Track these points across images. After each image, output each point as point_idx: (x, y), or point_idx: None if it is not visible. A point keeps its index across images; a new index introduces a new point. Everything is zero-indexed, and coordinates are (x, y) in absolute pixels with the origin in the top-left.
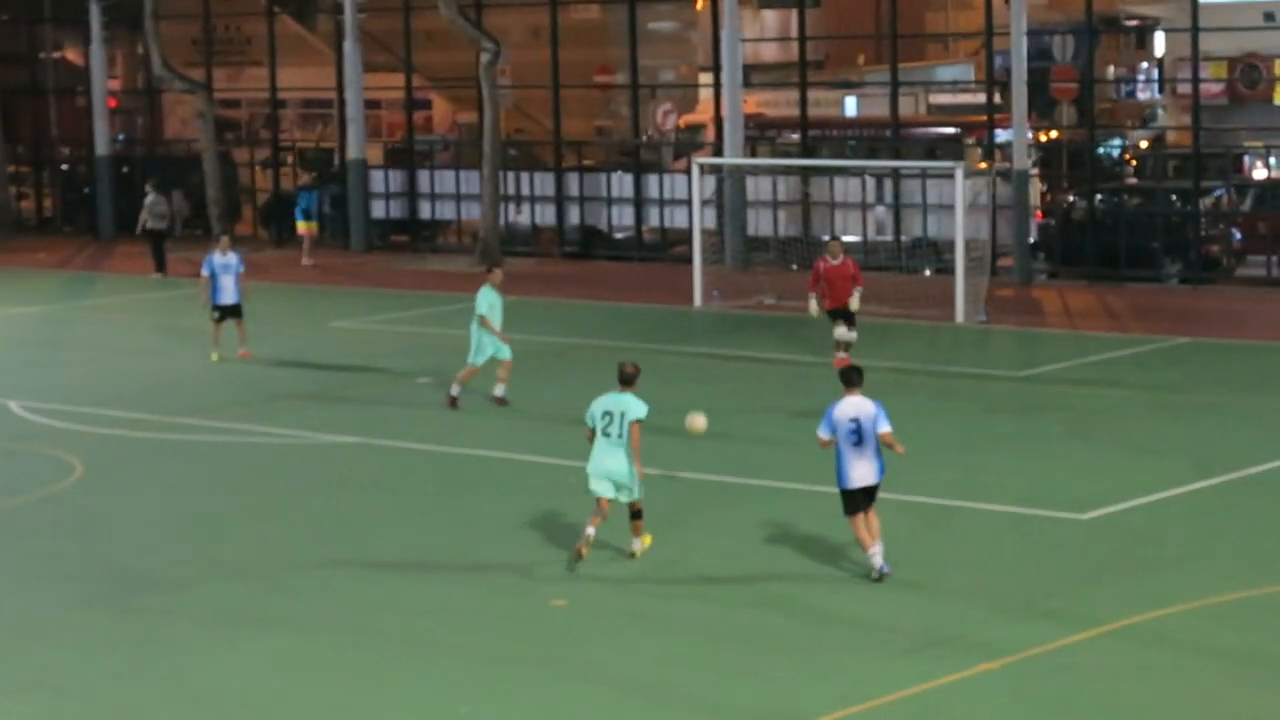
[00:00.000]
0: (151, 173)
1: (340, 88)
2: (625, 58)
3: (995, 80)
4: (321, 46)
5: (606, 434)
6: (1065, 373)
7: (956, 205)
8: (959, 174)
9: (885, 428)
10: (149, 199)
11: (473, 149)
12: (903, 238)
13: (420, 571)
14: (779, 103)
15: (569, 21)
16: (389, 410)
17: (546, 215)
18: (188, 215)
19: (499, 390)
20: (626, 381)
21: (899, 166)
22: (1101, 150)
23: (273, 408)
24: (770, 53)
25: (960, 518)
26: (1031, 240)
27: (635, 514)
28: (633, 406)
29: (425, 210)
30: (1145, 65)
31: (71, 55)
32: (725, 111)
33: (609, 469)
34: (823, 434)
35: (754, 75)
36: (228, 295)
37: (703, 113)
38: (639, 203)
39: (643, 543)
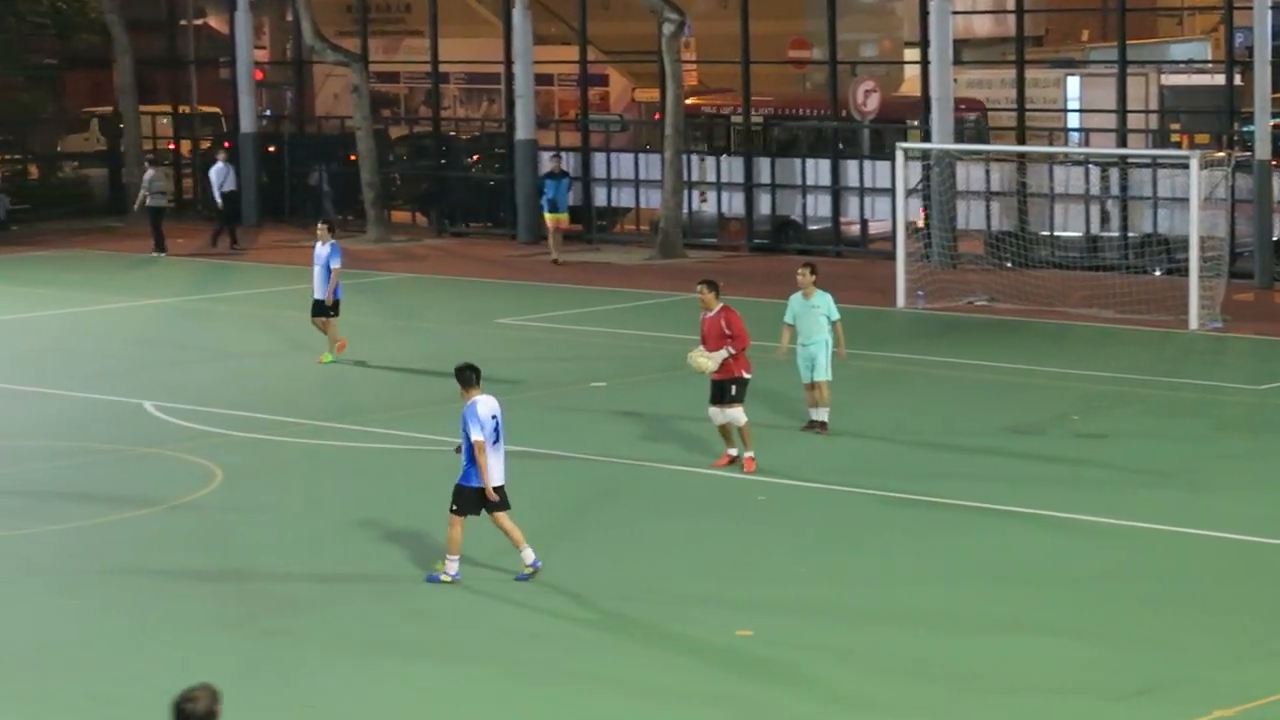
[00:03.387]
0: (298, 151)
1: (508, 61)
2: (823, 30)
3: (1235, 59)
4: (488, 15)
5: None
6: None
7: (1191, 199)
8: (1194, 164)
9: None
10: (148, 175)
11: (653, 130)
12: (1130, 234)
13: (584, 596)
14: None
15: None
16: (557, 417)
17: (734, 204)
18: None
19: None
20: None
21: (1126, 155)
22: None
23: (425, 412)
24: (983, 26)
25: (1185, 546)
26: (1276, 238)
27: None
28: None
29: (600, 196)
30: None
31: (215, 22)
32: (934, 91)
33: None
34: (476, 435)
35: (965, 51)
36: (316, 289)
37: (908, 92)
38: (836, 191)
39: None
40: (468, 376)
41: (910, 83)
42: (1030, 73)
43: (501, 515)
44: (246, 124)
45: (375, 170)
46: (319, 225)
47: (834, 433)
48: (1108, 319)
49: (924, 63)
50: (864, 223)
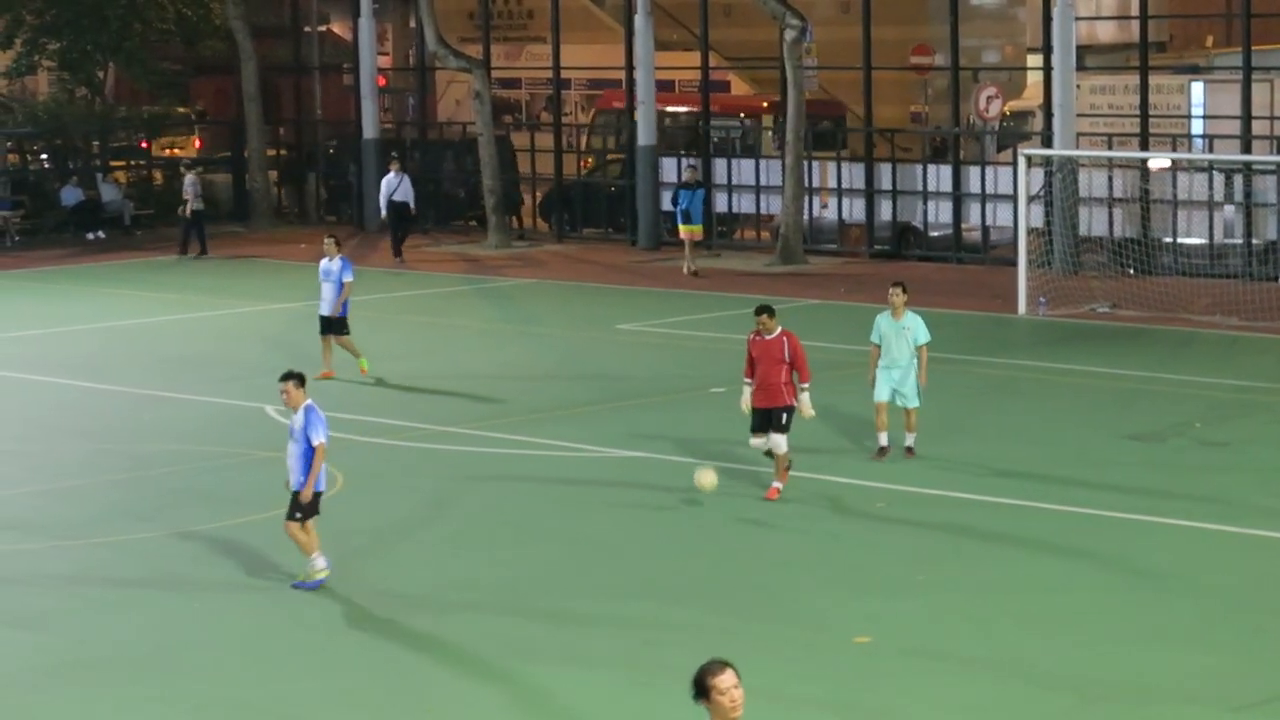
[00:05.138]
0: (428, 156)
1: (630, 67)
2: (945, 37)
3: None
4: (610, 22)
5: None
6: None
7: None
8: None
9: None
10: (188, 179)
11: (774, 136)
12: (1254, 241)
13: (705, 600)
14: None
15: None
16: (676, 422)
17: (855, 210)
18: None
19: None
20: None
21: (1250, 161)
22: None
23: (548, 417)
24: (1107, 32)
25: None
26: None
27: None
28: None
29: (721, 203)
30: None
31: (338, 29)
32: (1056, 97)
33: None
34: (321, 439)
35: (1088, 57)
36: (325, 305)
37: (1030, 99)
38: (958, 198)
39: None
40: (301, 380)
41: (1032, 89)
42: (1154, 79)
43: (310, 523)
44: (369, 130)
45: (496, 176)
46: (326, 240)
47: (955, 440)
48: (1232, 326)
49: (1046, 69)
50: (985, 229)
